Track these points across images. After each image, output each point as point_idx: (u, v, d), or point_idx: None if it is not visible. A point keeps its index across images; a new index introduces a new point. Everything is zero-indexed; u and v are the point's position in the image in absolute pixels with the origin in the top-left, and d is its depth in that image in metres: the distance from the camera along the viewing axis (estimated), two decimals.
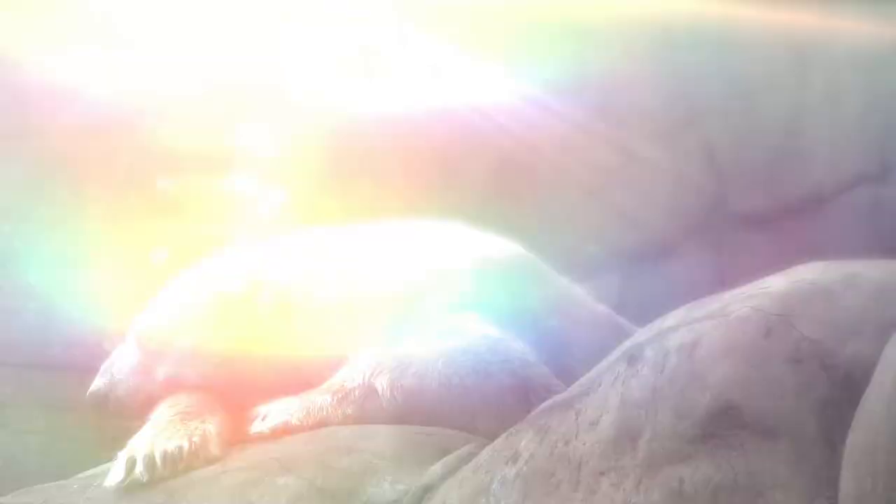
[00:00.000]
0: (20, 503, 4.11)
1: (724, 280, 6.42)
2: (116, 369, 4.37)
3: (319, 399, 4.04)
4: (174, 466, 3.90)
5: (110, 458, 4.08)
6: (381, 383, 4.02)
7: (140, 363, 4.35)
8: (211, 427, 4.08)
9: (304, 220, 5.71)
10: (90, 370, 4.53)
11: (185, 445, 3.95)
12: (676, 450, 2.98)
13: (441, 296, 4.27)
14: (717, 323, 3.08)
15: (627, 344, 3.35)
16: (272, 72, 6.78)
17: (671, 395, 3.04)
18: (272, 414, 4.03)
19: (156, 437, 4.01)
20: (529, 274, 4.54)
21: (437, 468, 3.68)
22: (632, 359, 3.19)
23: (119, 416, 4.36)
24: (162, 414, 4.15)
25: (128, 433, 4.18)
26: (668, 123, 6.83)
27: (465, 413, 4.05)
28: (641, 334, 3.33)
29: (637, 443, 3.06)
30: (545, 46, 7.11)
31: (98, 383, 4.36)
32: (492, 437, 3.80)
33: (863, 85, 5.64)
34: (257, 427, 4.03)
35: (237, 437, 4.10)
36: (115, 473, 3.93)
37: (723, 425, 2.94)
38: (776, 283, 3.14)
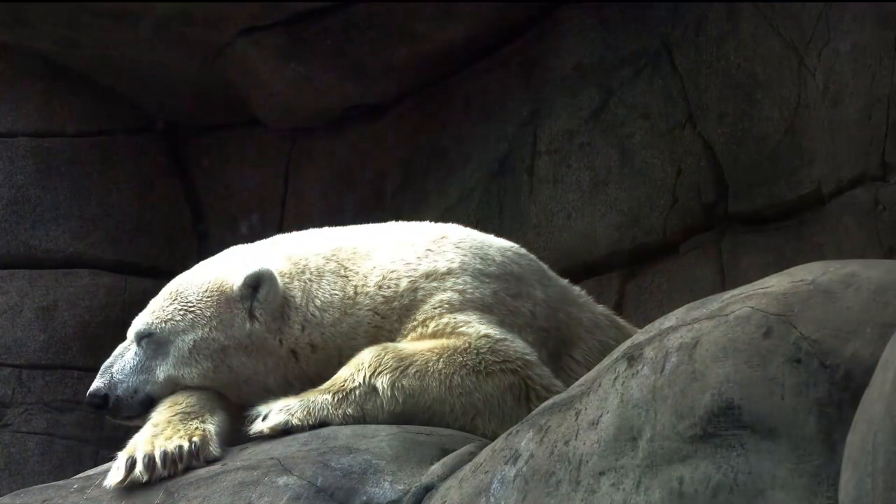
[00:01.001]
0: (20, 503, 4.11)
1: (724, 280, 6.43)
2: (116, 369, 4.36)
3: (320, 399, 4.04)
4: (174, 466, 3.91)
5: (110, 458, 4.09)
6: (382, 383, 4.02)
7: (140, 363, 4.34)
8: (211, 427, 4.08)
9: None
10: (90, 370, 4.53)
11: (185, 445, 3.95)
12: (676, 450, 2.98)
13: (441, 295, 4.27)
14: (717, 323, 3.08)
15: (627, 344, 3.35)
16: None
17: (671, 395, 3.04)
18: (272, 414, 4.02)
19: (156, 437, 4.01)
20: (529, 273, 4.54)
21: (437, 468, 3.68)
22: (632, 359, 3.19)
23: (119, 416, 4.36)
24: (162, 414, 4.15)
25: (128, 433, 4.18)
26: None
27: (465, 413, 4.05)
28: (641, 334, 3.33)
29: (637, 443, 3.06)
30: None
31: (98, 383, 4.36)
32: (492, 437, 3.80)
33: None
34: (257, 427, 4.03)
35: (237, 437, 4.11)
36: (114, 473, 3.93)
37: (723, 425, 2.94)
38: (776, 283, 3.14)
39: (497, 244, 4.59)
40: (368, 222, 4.71)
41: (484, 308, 4.27)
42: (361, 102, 8.17)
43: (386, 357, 4.07)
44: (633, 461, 3.05)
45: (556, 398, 3.49)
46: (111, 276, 8.36)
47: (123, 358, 4.38)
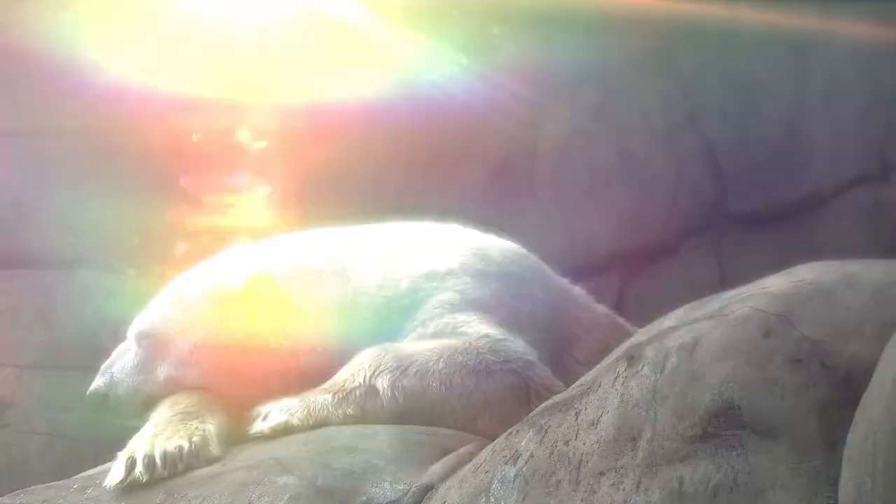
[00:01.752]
0: (20, 503, 4.11)
1: (724, 280, 6.44)
2: (116, 369, 4.37)
3: (320, 399, 4.04)
4: (174, 466, 3.90)
5: (110, 458, 4.08)
6: (382, 383, 4.02)
7: (140, 363, 4.35)
8: (211, 427, 4.08)
9: (304, 219, 5.71)
10: (90, 370, 4.53)
11: (185, 445, 3.95)
12: (676, 450, 2.98)
13: (441, 296, 4.27)
14: (717, 323, 3.08)
15: (627, 344, 3.35)
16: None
17: (671, 395, 3.04)
18: (272, 414, 4.03)
19: (156, 437, 4.01)
20: (529, 274, 4.54)
21: (437, 468, 3.68)
22: (632, 359, 3.19)
23: (119, 416, 4.36)
24: (162, 414, 4.15)
25: (128, 433, 4.18)
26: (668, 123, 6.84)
27: (465, 413, 4.05)
28: (641, 334, 3.33)
29: (637, 443, 3.06)
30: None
31: (98, 383, 4.36)
32: (492, 437, 3.80)
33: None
34: (257, 427, 4.03)
35: (237, 437, 4.11)
36: (114, 473, 3.93)
37: (723, 425, 2.94)
38: (776, 283, 3.14)
39: (497, 244, 4.59)
40: (368, 222, 4.71)
41: (484, 308, 4.27)
42: None
43: (386, 357, 4.07)
44: (633, 461, 3.05)
45: (556, 398, 3.49)
46: (111, 276, 8.36)
47: (123, 358, 4.38)
